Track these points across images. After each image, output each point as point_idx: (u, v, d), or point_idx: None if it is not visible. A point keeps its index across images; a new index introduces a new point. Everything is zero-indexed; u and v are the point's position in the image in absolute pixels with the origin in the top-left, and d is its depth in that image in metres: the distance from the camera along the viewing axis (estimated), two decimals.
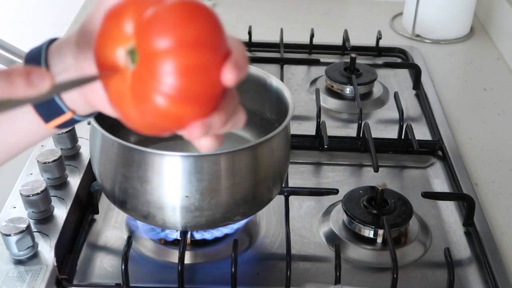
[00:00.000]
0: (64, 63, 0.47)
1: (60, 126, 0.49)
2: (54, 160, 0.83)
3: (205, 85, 0.42)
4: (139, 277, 0.75)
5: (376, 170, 0.88)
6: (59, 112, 0.48)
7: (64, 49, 0.47)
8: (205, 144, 0.47)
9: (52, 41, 0.49)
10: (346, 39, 1.25)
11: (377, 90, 1.15)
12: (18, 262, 0.73)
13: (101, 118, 0.71)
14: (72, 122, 0.49)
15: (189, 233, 0.77)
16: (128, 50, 0.41)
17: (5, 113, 0.37)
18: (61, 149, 0.89)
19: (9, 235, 0.72)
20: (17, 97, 0.38)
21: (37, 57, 0.47)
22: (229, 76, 0.42)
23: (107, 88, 0.44)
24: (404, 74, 1.22)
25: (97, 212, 0.85)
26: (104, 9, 0.44)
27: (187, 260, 0.76)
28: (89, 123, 0.72)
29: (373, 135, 0.95)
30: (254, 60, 1.20)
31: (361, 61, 1.19)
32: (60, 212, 0.80)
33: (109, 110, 0.48)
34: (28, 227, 0.73)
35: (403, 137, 0.98)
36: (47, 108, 0.48)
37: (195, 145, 0.47)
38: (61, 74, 0.47)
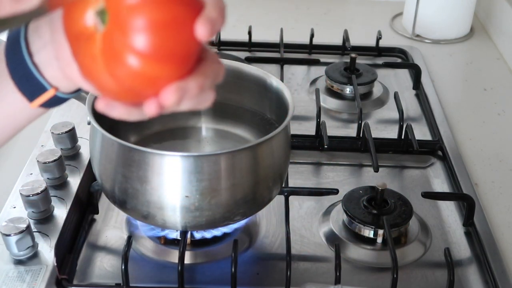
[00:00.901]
0: (41, 39, 0.47)
1: (46, 105, 0.49)
2: (54, 160, 0.83)
3: (179, 41, 0.40)
4: (139, 277, 0.75)
5: (376, 170, 0.88)
6: (42, 89, 0.47)
7: (41, 24, 0.47)
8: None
9: None
10: (346, 39, 1.25)
11: (377, 90, 1.15)
12: (18, 262, 0.73)
13: (101, 118, 0.71)
14: (57, 100, 0.49)
15: (189, 233, 0.77)
16: (97, 11, 0.40)
17: None
18: (61, 149, 0.89)
19: (9, 235, 0.72)
20: (4, 15, 0.38)
21: (17, 36, 0.47)
22: (202, 30, 0.40)
23: (78, 57, 0.42)
24: (404, 74, 1.22)
25: (97, 212, 0.85)
26: None
27: (187, 260, 0.76)
28: (89, 123, 0.72)
29: (373, 135, 0.95)
30: (254, 60, 1.20)
31: (361, 61, 1.19)
32: (60, 212, 0.80)
33: (82, 83, 0.47)
34: (28, 227, 0.73)
35: (403, 137, 0.98)
36: (30, 86, 0.47)
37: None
38: (40, 52, 0.47)
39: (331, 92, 1.14)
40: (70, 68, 0.46)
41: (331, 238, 0.82)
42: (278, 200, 0.83)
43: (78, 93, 0.50)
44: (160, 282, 0.75)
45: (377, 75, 1.15)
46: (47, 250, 0.75)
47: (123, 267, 0.71)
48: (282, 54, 1.22)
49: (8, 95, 0.48)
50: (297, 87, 1.17)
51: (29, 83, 0.47)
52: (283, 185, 0.81)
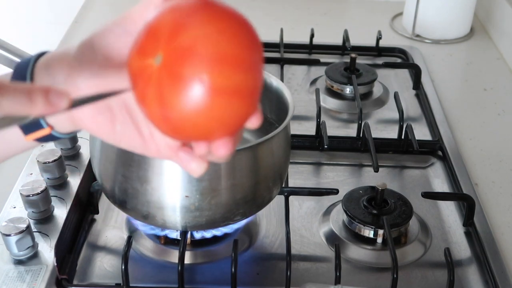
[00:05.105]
0: (52, 77, 0.46)
1: (40, 140, 0.49)
2: (54, 160, 0.83)
3: (250, 78, 0.40)
4: (139, 277, 0.75)
5: (376, 170, 0.88)
6: (38, 126, 0.47)
7: (53, 63, 0.47)
8: (195, 167, 0.46)
9: (42, 54, 0.48)
10: (346, 39, 1.25)
11: (377, 90, 1.15)
12: (18, 262, 0.73)
13: None
14: (51, 137, 0.49)
15: (189, 233, 0.77)
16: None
17: (10, 128, 0.38)
18: (61, 149, 0.89)
19: (9, 235, 0.72)
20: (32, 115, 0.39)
21: (24, 69, 0.47)
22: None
23: (137, 92, 0.42)
24: (404, 74, 1.22)
25: (97, 212, 0.85)
26: (124, 27, 0.44)
27: (187, 260, 0.76)
28: None
29: (373, 135, 0.95)
30: None
31: (361, 61, 1.19)
32: (60, 212, 0.80)
33: (91, 128, 0.47)
34: (28, 227, 0.73)
35: (403, 137, 0.98)
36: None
37: (184, 168, 0.46)
38: None
39: (331, 92, 1.14)
40: (77, 111, 0.45)
41: (331, 238, 0.82)
42: (278, 200, 0.83)
43: (72, 134, 0.50)
44: (160, 282, 0.75)
45: (377, 75, 1.15)
46: (47, 250, 0.75)
47: (123, 267, 0.71)
48: (282, 54, 1.22)
49: None
50: (297, 87, 1.17)
51: None
52: (283, 185, 0.81)
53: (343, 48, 1.27)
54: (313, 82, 1.18)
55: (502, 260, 0.78)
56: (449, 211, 0.88)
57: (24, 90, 0.39)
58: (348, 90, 1.13)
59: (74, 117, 0.47)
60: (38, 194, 0.78)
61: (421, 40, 1.37)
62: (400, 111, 1.00)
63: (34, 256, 0.74)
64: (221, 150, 0.43)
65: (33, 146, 0.52)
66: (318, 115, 1.00)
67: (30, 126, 0.47)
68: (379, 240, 0.81)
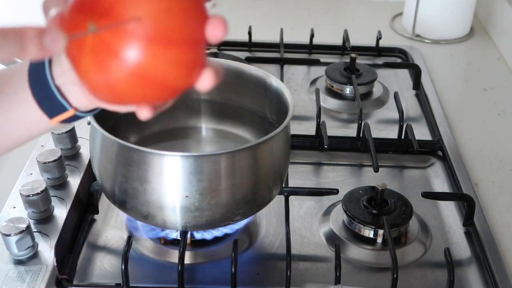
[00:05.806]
0: (62, 66, 0.49)
1: (64, 122, 0.51)
2: (54, 160, 0.83)
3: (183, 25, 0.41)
4: (139, 277, 0.75)
5: (376, 170, 0.88)
6: (62, 109, 0.50)
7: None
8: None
9: None
10: (346, 39, 1.25)
11: (377, 90, 1.15)
12: (18, 262, 0.73)
13: (101, 118, 0.71)
14: (75, 118, 0.51)
15: (189, 233, 0.77)
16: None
17: None
18: (61, 149, 0.89)
19: (9, 235, 0.72)
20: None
21: (42, 61, 0.49)
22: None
23: (76, 64, 0.43)
24: (404, 74, 1.22)
25: (97, 212, 0.85)
26: None
27: (187, 260, 0.76)
28: (89, 123, 0.72)
29: (373, 135, 0.95)
30: (254, 60, 1.20)
31: (361, 61, 1.19)
32: (60, 212, 0.80)
33: (110, 106, 0.49)
34: (28, 227, 0.73)
35: (403, 137, 0.98)
36: (51, 105, 0.50)
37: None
38: (61, 77, 0.49)
39: (331, 92, 1.14)
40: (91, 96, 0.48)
41: (331, 238, 0.82)
42: (278, 200, 0.83)
43: (94, 112, 0.53)
44: (160, 282, 0.75)
45: (377, 75, 1.15)
46: (47, 250, 0.75)
47: (123, 267, 0.71)
48: (282, 54, 1.22)
49: (28, 109, 0.50)
50: (297, 87, 1.17)
51: (50, 103, 0.50)
52: (283, 185, 0.81)
53: (343, 48, 1.27)
54: (313, 82, 1.18)
55: (502, 260, 0.78)
56: (449, 211, 0.88)
57: (15, 34, 0.37)
58: (348, 90, 1.13)
59: (90, 99, 0.49)
60: (38, 194, 0.78)
61: (421, 40, 1.37)
62: (400, 111, 1.00)
63: (34, 256, 0.74)
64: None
65: (55, 127, 0.54)
66: (318, 115, 1.00)
67: (54, 110, 0.50)
68: (379, 240, 0.81)
